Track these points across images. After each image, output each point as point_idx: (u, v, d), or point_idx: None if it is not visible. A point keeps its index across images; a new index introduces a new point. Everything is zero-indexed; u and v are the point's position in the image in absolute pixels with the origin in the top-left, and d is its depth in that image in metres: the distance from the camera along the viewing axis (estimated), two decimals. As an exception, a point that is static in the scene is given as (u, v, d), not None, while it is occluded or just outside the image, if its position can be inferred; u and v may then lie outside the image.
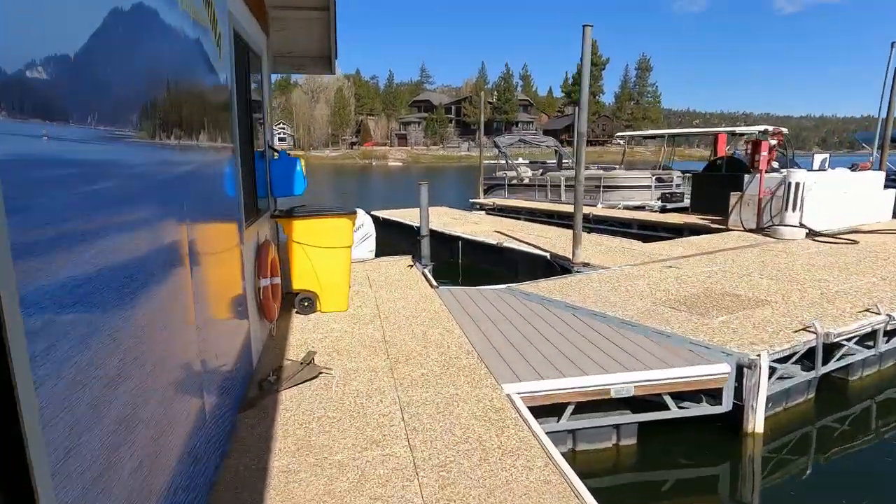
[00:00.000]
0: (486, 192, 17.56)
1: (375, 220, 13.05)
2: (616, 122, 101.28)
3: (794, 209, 8.80)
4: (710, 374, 3.50)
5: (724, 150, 12.22)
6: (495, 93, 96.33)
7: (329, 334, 4.37)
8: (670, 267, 6.52)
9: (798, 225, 8.75)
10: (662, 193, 13.51)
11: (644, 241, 9.53)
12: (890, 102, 13.39)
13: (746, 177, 9.86)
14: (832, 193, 9.37)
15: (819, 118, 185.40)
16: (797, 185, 8.74)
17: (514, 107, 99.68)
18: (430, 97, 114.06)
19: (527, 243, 8.52)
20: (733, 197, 9.92)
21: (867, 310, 4.68)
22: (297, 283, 4.94)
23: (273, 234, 5.17)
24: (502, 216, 14.47)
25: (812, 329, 4.11)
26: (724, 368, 3.53)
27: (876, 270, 6.18)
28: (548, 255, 7.66)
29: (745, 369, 3.60)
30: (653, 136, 19.52)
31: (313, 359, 3.69)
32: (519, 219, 14.10)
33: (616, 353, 3.79)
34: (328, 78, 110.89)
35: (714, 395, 3.62)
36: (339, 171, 64.48)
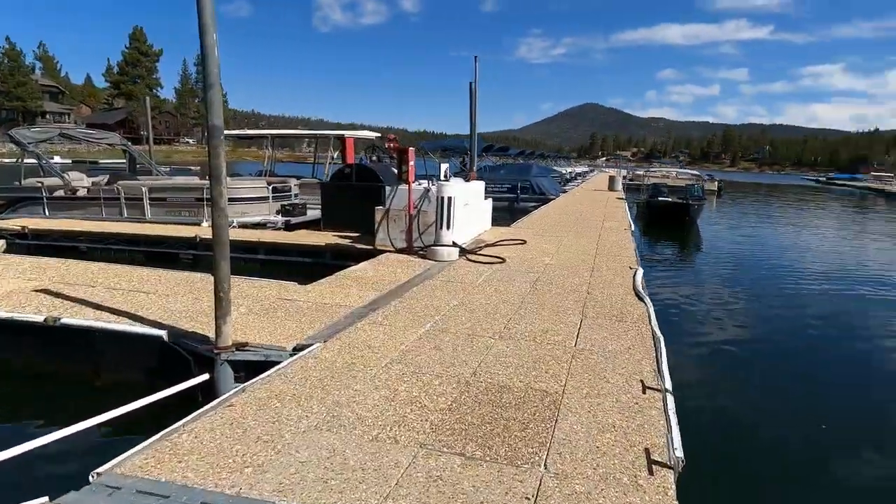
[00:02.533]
0: (5, 209, 11.33)
1: None
2: (182, 119, 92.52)
3: (447, 227, 8.01)
4: None
5: (352, 156, 10.92)
6: (-4, 73, 71.92)
7: None
8: None
9: (452, 244, 8.04)
10: (282, 206, 11.25)
11: (274, 271, 7.52)
12: (472, 113, 14.99)
13: (388, 189, 8.65)
14: (463, 205, 9.12)
15: (350, 124, 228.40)
16: (449, 199, 7.98)
17: (35, 93, 77.19)
18: None
19: (114, 311, 4.76)
20: (378, 212, 8.56)
21: (643, 385, 3.65)
22: None
23: None
24: (44, 249, 9.24)
25: (668, 462, 2.68)
26: None
27: (568, 306, 5.41)
28: (164, 334, 4.28)
29: None
30: (251, 137, 17.03)
31: None
32: (78, 249, 9.33)
33: None
34: None
35: None
36: None
